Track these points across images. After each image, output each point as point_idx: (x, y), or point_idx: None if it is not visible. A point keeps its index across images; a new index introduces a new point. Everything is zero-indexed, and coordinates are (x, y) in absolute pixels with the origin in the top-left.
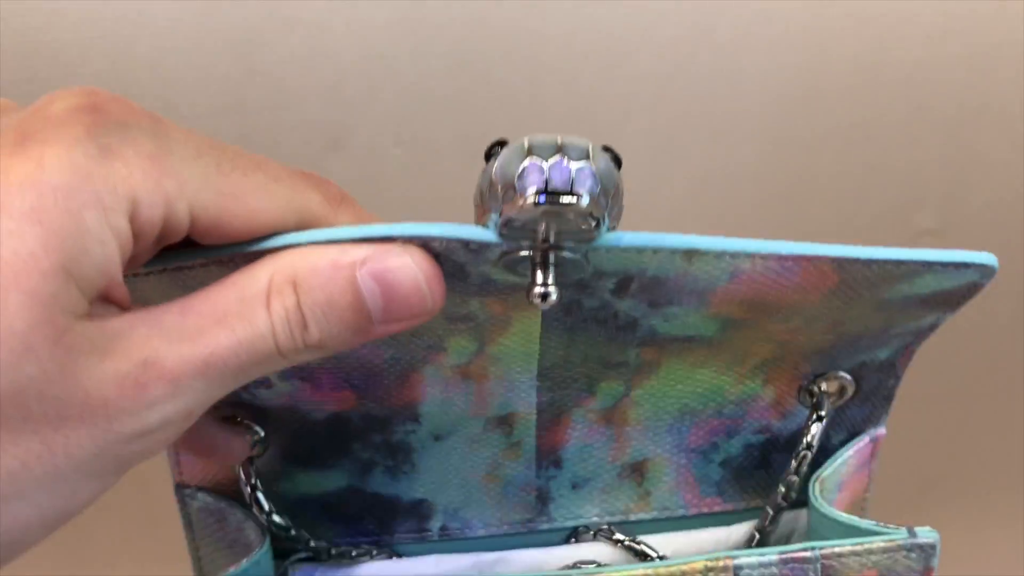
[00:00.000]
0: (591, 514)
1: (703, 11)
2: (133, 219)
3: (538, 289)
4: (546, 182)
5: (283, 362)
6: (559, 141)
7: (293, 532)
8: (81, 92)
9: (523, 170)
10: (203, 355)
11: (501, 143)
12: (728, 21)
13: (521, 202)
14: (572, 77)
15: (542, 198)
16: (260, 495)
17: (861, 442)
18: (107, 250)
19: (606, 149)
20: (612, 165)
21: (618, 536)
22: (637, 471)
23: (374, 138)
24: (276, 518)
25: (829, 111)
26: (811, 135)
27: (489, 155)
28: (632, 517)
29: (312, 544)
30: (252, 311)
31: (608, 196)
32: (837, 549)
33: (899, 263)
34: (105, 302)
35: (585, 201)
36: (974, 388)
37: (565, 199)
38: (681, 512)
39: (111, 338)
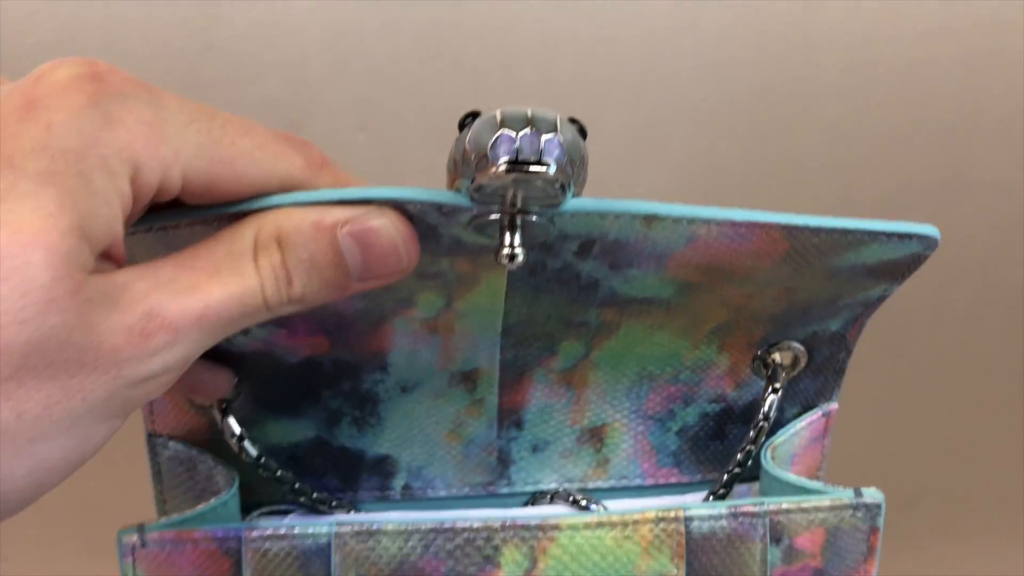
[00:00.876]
0: (550, 479)
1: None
2: (133, 182)
3: (506, 251)
4: (517, 152)
5: (268, 314)
6: (529, 114)
7: (279, 473)
8: (82, 62)
9: (495, 140)
10: (200, 307)
11: (474, 114)
12: (714, 12)
13: (493, 170)
14: (546, 60)
15: (513, 167)
16: (247, 443)
17: (814, 415)
18: (112, 210)
19: (572, 121)
20: (578, 136)
21: (576, 498)
22: (596, 436)
23: (337, 121)
24: (266, 460)
25: (817, 110)
26: (798, 137)
27: (462, 125)
28: (590, 484)
29: (296, 486)
30: (242, 266)
31: (574, 165)
32: (785, 506)
33: (845, 232)
34: (107, 259)
35: (552, 169)
36: (968, 393)
37: (534, 168)
38: (638, 482)
39: (119, 291)
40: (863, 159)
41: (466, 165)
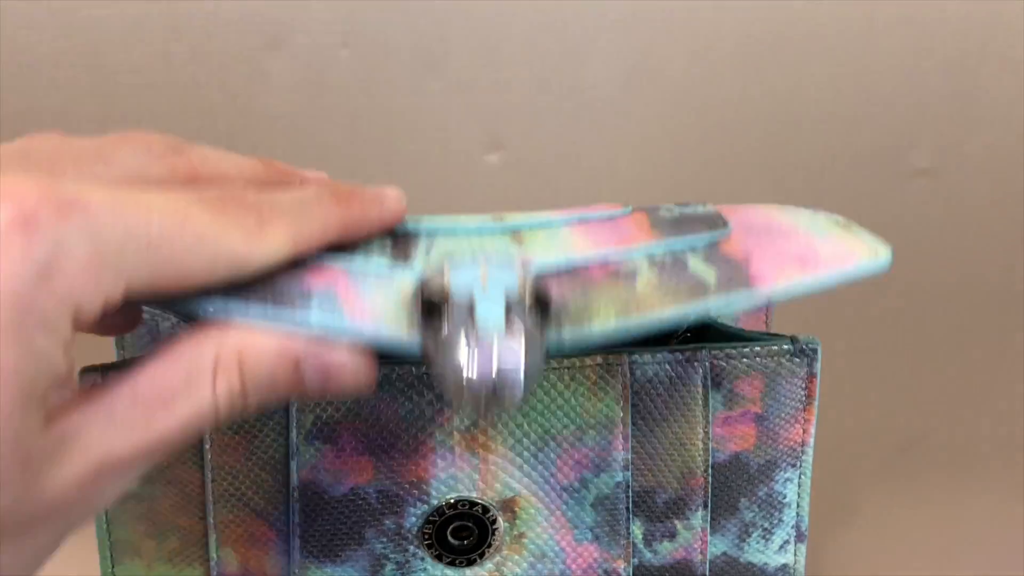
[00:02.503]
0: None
1: None
2: (75, 320)
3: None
4: (485, 399)
5: (214, 426)
6: (494, 339)
7: None
8: (8, 197)
9: (465, 384)
10: (152, 440)
11: (433, 305)
12: None
13: (458, 403)
14: None
15: (478, 407)
16: None
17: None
18: (55, 361)
19: (534, 296)
20: (537, 333)
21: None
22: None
23: (319, 38)
24: None
25: (821, 41)
26: (802, 65)
27: (428, 307)
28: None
29: None
30: (198, 390)
31: (533, 380)
32: (726, 351)
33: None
34: (59, 388)
35: (515, 402)
36: (968, 334)
37: (497, 405)
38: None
39: (68, 442)
40: (874, 101)
41: (440, 377)
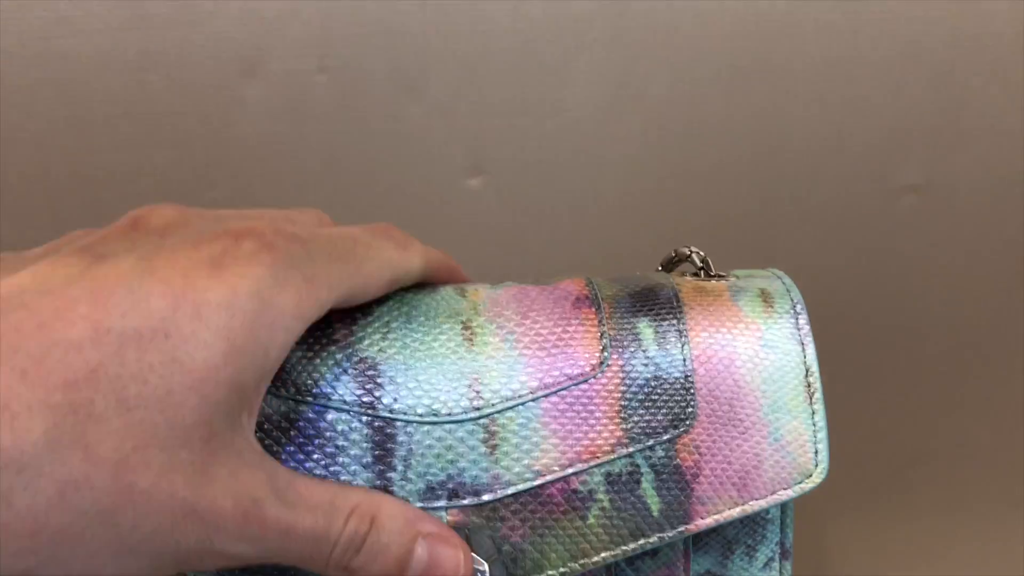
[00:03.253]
0: None
1: None
2: (302, 322)
3: None
4: None
5: (322, 568)
6: None
7: None
8: (248, 232)
9: None
10: (288, 524)
11: None
12: None
13: None
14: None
15: None
16: None
17: None
18: (270, 361)
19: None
20: None
21: None
22: None
23: (295, 63)
24: None
25: (805, 56)
26: (786, 82)
27: None
28: None
29: None
30: (333, 518)
31: None
32: None
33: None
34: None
35: None
36: (968, 354)
37: None
38: None
39: (243, 464)
40: (861, 113)
41: None
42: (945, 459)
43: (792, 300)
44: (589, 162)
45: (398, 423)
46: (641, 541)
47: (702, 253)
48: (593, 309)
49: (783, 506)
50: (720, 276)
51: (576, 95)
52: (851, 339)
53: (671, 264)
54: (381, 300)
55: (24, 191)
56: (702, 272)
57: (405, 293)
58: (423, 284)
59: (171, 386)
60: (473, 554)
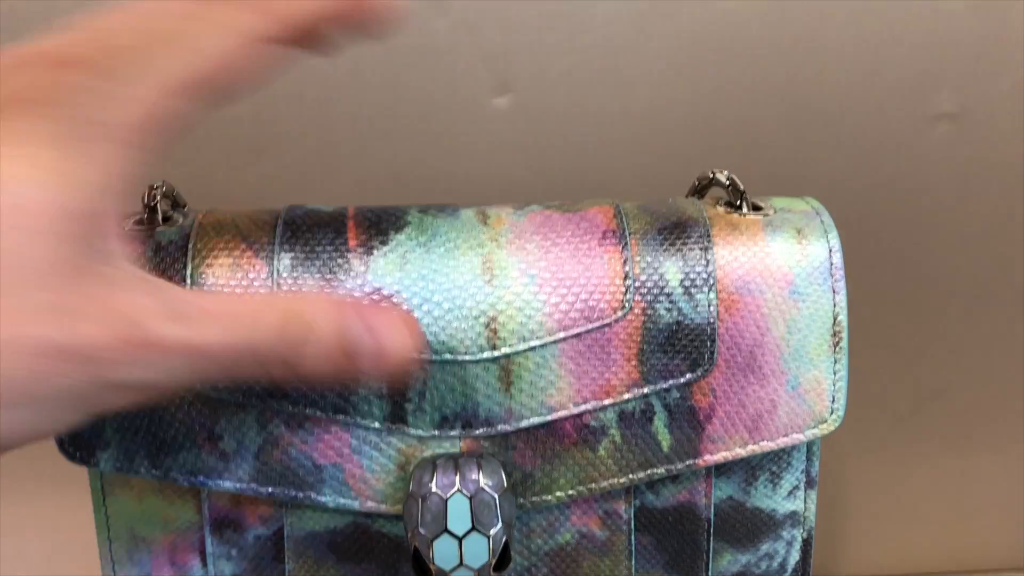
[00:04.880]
0: None
1: None
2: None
3: None
4: None
5: (260, 372)
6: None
7: None
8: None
9: None
10: (186, 340)
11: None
12: None
13: None
14: None
15: None
16: None
17: None
18: (113, 181)
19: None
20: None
21: None
22: None
23: None
24: None
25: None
26: (823, 1)
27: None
28: None
29: None
30: (255, 325)
31: None
32: None
33: None
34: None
35: None
36: (979, 302)
37: None
38: None
39: (117, 290)
40: (895, 40)
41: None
42: (970, 393)
43: (828, 242)
44: (618, 82)
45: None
46: (649, 471)
47: (734, 177)
48: (619, 247)
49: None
50: (756, 208)
51: (605, 12)
52: (879, 268)
53: (701, 188)
54: (399, 226)
55: None
56: (738, 201)
57: (424, 217)
58: (444, 206)
59: (1, 231)
60: (482, 482)
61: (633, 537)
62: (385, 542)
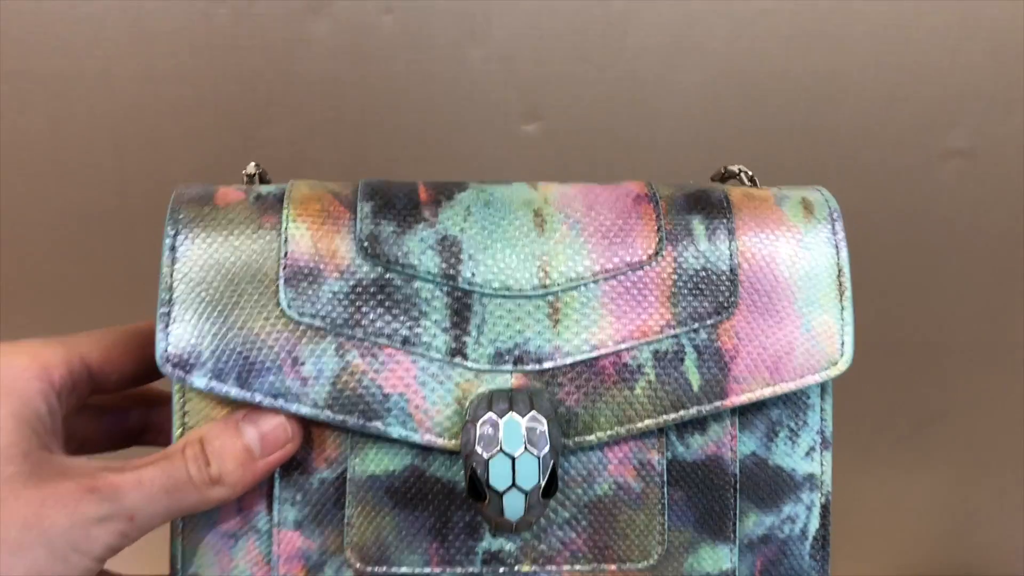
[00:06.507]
0: None
1: None
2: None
3: None
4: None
5: (196, 494)
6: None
7: None
8: None
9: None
10: (136, 477)
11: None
12: None
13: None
14: None
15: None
16: None
17: None
18: (43, 416)
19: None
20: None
21: None
22: None
23: (362, 3)
24: None
25: (863, 16)
26: (843, 40)
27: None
28: None
29: None
30: (172, 457)
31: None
32: None
33: None
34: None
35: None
36: (985, 317)
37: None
38: None
39: (66, 461)
40: (911, 78)
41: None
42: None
43: (830, 208)
44: (643, 114)
45: (474, 295)
46: (681, 412)
47: (750, 172)
48: (652, 205)
49: (822, 395)
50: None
51: (635, 46)
52: (889, 293)
53: (721, 179)
54: (462, 188)
55: (89, 119)
56: (751, 184)
57: (482, 184)
58: (498, 181)
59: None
60: (533, 411)
61: (666, 490)
62: (439, 488)
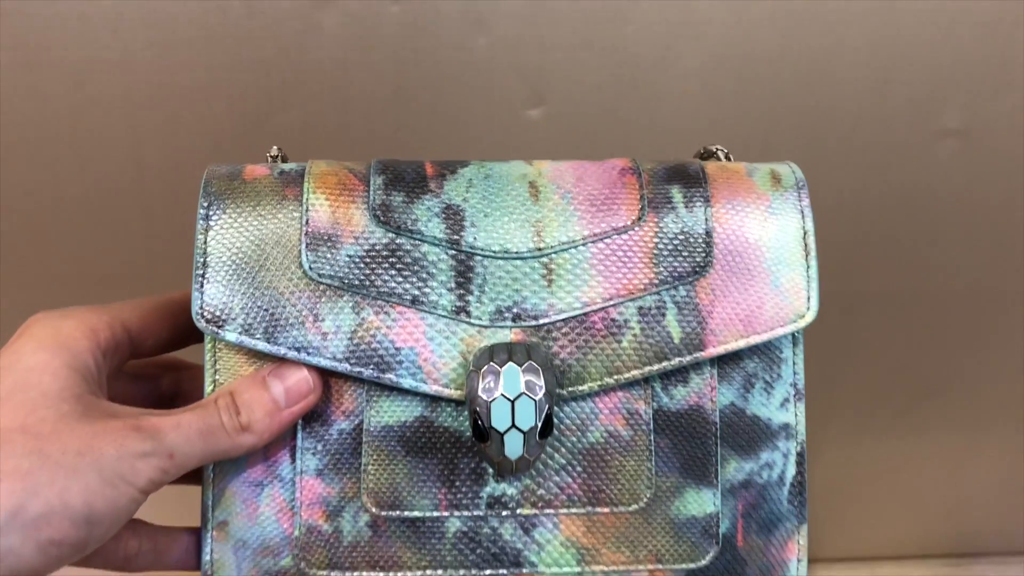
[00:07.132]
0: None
1: None
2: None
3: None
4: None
5: (228, 440)
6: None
7: None
8: None
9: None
10: (175, 421)
11: (480, 424)
12: None
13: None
14: None
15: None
16: None
17: None
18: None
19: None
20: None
21: None
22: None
23: None
24: None
25: None
26: (838, 23)
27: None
28: None
29: None
30: (206, 408)
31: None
32: None
33: None
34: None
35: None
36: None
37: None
38: None
39: (113, 405)
40: (904, 59)
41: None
42: (958, 397)
43: (796, 179)
44: (645, 97)
45: (476, 257)
46: (664, 363)
47: (726, 150)
48: (635, 176)
49: (794, 350)
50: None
51: (635, 33)
52: (885, 273)
53: (701, 157)
54: (464, 164)
55: (109, 107)
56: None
57: (482, 161)
58: (496, 161)
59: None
60: (530, 361)
61: (653, 438)
62: (446, 437)
